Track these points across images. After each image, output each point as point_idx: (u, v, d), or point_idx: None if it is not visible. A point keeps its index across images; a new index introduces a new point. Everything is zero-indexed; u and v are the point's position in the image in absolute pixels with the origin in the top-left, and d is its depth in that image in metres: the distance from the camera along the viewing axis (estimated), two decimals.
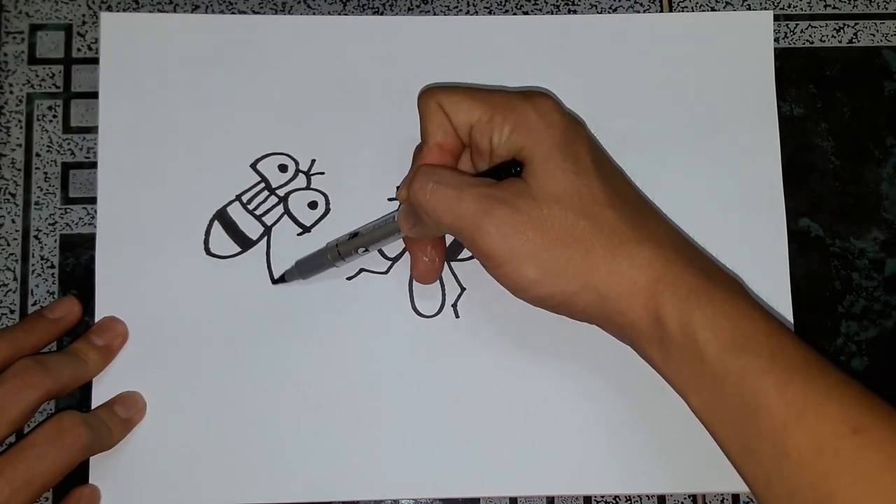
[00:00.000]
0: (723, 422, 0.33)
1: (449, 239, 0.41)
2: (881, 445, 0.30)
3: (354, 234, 0.39)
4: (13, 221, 0.42)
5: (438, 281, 0.41)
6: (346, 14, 0.44)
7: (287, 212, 0.42)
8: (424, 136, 0.37)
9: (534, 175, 0.34)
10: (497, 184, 0.35)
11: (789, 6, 0.45)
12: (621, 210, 0.34)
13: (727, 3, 0.45)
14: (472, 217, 0.34)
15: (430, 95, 0.36)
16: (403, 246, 0.41)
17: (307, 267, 0.40)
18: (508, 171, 0.35)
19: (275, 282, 0.41)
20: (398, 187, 0.38)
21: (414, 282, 0.41)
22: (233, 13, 0.44)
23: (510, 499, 0.40)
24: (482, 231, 0.33)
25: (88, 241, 0.41)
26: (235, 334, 0.40)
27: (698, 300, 0.33)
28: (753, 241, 0.42)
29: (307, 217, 0.41)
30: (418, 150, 0.38)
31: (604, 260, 0.33)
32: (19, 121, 0.42)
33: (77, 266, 0.41)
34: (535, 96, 0.36)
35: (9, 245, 0.42)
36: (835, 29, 0.45)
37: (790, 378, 0.31)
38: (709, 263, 0.35)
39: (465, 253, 0.41)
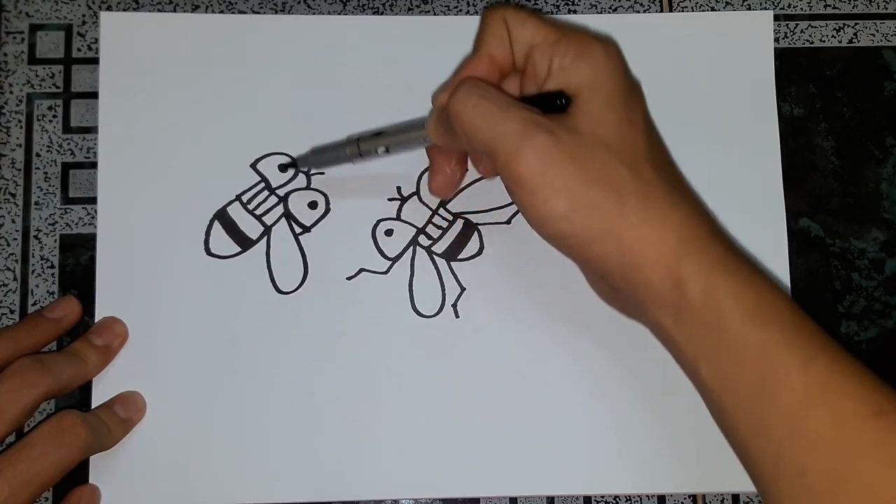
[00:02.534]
0: (735, 395, 0.32)
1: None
2: None
3: (379, 133, 0.38)
4: (13, 221, 0.42)
5: (438, 281, 0.41)
6: (346, 14, 0.44)
7: (287, 212, 0.42)
8: (478, 45, 0.36)
9: (586, 112, 0.33)
10: (542, 112, 0.34)
11: (789, 6, 0.45)
12: (660, 170, 0.34)
13: (727, 3, 0.45)
14: (512, 139, 0.32)
15: (497, 9, 0.36)
16: (403, 246, 0.41)
17: (322, 156, 0.39)
18: (554, 101, 0.34)
19: (284, 167, 0.40)
20: (435, 93, 0.37)
21: (414, 281, 0.41)
22: (233, 13, 0.44)
23: (510, 499, 0.40)
24: (520, 155, 0.32)
25: (88, 242, 0.41)
26: (235, 334, 0.40)
27: (724, 268, 0.32)
28: (753, 241, 0.41)
29: (307, 217, 0.41)
30: (465, 61, 0.37)
31: (636, 210, 0.32)
32: (19, 121, 0.42)
33: (77, 266, 0.41)
34: (604, 37, 0.35)
35: (9, 245, 0.42)
36: (835, 29, 0.45)
37: (813, 355, 0.31)
38: (730, 239, 0.35)
39: (465, 253, 0.42)
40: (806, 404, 0.30)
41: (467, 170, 0.40)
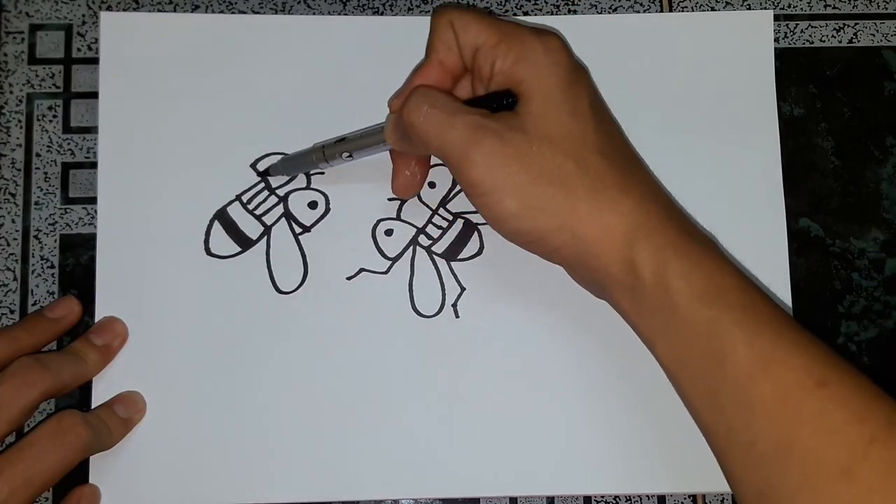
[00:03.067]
0: (688, 371, 0.33)
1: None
2: (844, 400, 0.31)
3: (342, 139, 0.39)
4: (13, 221, 0.42)
5: (438, 281, 0.41)
6: (346, 14, 0.44)
7: (287, 212, 0.42)
8: (428, 51, 0.37)
9: (529, 111, 0.35)
10: (490, 114, 0.35)
11: (789, 6, 0.45)
12: (610, 158, 0.35)
13: (727, 3, 0.45)
14: (460, 145, 0.34)
15: (444, 13, 0.37)
16: (403, 246, 0.41)
17: (292, 165, 0.41)
18: (501, 101, 0.35)
19: (259, 174, 0.41)
20: (391, 98, 0.38)
21: (414, 281, 0.41)
22: (233, 13, 0.44)
23: (510, 499, 0.40)
24: (469, 160, 0.34)
25: (88, 241, 0.41)
26: (235, 334, 0.40)
27: (674, 251, 0.33)
28: (753, 241, 0.42)
29: (307, 217, 0.42)
30: (417, 67, 0.38)
31: (585, 203, 0.34)
32: (19, 121, 0.42)
33: (77, 266, 0.41)
34: (545, 33, 0.36)
35: (9, 245, 0.42)
36: (835, 29, 0.45)
37: (759, 331, 0.32)
38: (687, 220, 0.36)
39: (465, 253, 0.42)
40: (752, 378, 0.31)
41: (429, 170, 0.41)
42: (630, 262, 0.34)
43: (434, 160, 0.41)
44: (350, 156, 0.39)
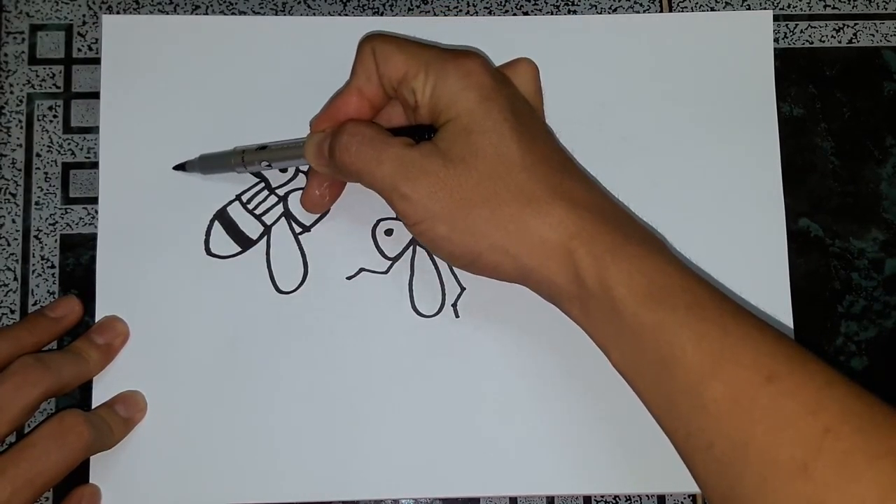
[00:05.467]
0: (642, 377, 0.33)
1: None
2: (795, 393, 0.30)
3: (263, 147, 0.40)
4: (13, 221, 0.42)
5: (438, 281, 0.41)
6: (346, 14, 0.44)
7: (287, 211, 0.42)
8: (350, 78, 0.38)
9: (450, 138, 0.35)
10: (415, 144, 0.35)
11: (789, 6, 0.45)
12: (534, 170, 0.34)
13: (727, 3, 0.45)
14: (390, 180, 0.35)
15: (368, 41, 0.37)
16: (403, 246, 0.41)
17: (210, 163, 0.41)
18: (422, 135, 0.36)
19: (175, 167, 0.41)
20: (312, 119, 0.39)
21: (414, 281, 0.41)
22: (233, 14, 0.44)
23: (510, 499, 0.40)
24: (398, 193, 0.35)
25: (89, 241, 0.41)
26: (236, 334, 0.40)
27: (613, 257, 0.33)
28: (753, 241, 0.42)
29: (307, 217, 0.42)
30: (338, 92, 0.38)
31: (511, 219, 0.34)
32: (20, 121, 0.42)
33: (77, 266, 0.42)
34: (461, 56, 0.36)
35: (9, 245, 0.42)
36: (834, 29, 0.45)
37: (706, 330, 0.32)
38: (627, 221, 0.36)
39: None
40: (703, 379, 0.31)
41: (341, 193, 0.41)
42: (574, 273, 0.33)
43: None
44: (269, 165, 0.39)
